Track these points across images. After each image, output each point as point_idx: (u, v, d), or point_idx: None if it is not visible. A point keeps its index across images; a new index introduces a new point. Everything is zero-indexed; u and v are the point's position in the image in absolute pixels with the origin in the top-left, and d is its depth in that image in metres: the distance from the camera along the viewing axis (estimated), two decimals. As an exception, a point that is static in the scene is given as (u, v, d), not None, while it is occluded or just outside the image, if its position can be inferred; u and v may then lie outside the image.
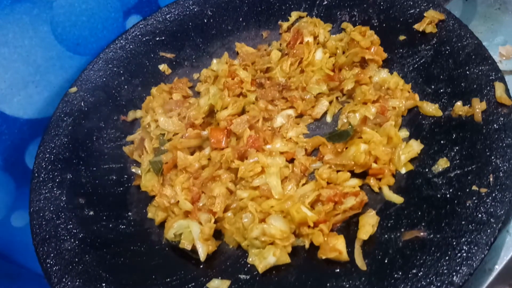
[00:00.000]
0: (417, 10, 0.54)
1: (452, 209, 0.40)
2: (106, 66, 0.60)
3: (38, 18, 0.55)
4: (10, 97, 0.55)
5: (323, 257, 0.41)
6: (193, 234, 0.44)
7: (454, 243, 0.37)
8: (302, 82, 0.55)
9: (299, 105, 0.53)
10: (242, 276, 0.43)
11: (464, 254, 0.36)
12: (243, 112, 0.54)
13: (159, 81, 0.62)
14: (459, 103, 0.46)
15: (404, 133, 0.49)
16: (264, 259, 0.42)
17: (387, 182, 0.45)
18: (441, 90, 0.48)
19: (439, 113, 0.47)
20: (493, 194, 0.39)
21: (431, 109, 0.48)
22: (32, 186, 0.49)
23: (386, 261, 0.39)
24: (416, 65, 0.52)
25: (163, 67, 0.63)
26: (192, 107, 0.56)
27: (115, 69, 0.60)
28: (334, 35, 0.59)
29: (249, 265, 0.43)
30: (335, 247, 0.41)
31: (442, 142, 0.45)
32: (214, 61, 0.63)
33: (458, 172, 0.42)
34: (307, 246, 0.43)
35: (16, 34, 0.54)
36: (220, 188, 0.47)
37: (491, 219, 0.37)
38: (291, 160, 0.49)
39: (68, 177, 0.51)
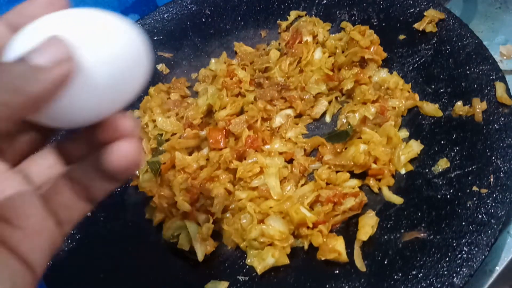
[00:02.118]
0: (417, 9, 0.54)
1: (453, 210, 0.39)
2: (103, 66, 0.59)
3: (35, 17, 0.54)
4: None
5: (322, 258, 0.40)
6: (191, 235, 0.44)
7: (454, 244, 0.37)
8: (301, 82, 0.54)
9: (298, 105, 0.53)
10: (240, 278, 0.42)
11: (465, 255, 0.36)
12: (241, 112, 0.53)
13: (157, 81, 0.61)
14: (459, 103, 0.46)
15: (404, 133, 0.48)
16: (262, 260, 0.42)
17: (387, 182, 0.45)
18: (441, 90, 0.48)
19: (439, 113, 0.47)
20: (494, 195, 0.38)
21: (431, 109, 0.47)
22: (28, 187, 0.49)
23: (385, 262, 0.39)
24: (416, 65, 0.52)
25: (161, 66, 0.62)
26: (190, 107, 0.55)
27: (113, 68, 0.60)
28: (333, 35, 0.58)
29: (247, 266, 0.43)
30: (334, 248, 0.40)
31: (442, 142, 0.45)
32: (213, 60, 0.62)
33: (459, 172, 0.42)
34: (306, 247, 0.43)
35: (13, 33, 0.53)
36: (218, 189, 0.46)
37: (492, 220, 0.37)
38: (290, 161, 0.49)
39: (65, 177, 0.50)
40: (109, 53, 0.21)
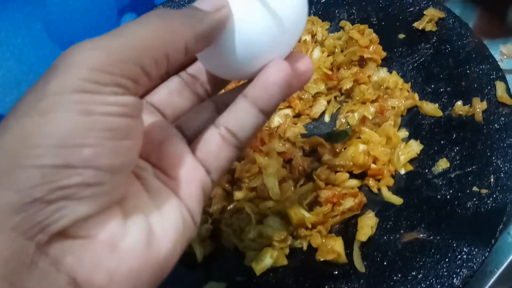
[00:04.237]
0: (417, 8, 0.54)
1: (452, 210, 0.39)
2: (101, 65, 0.59)
3: (31, 16, 0.54)
4: (2, 96, 0.54)
5: (321, 259, 0.40)
6: (190, 236, 0.44)
7: (454, 245, 0.37)
8: (300, 81, 0.54)
9: (296, 105, 0.53)
10: (238, 278, 0.42)
11: (465, 256, 0.36)
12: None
13: (155, 80, 0.61)
14: (459, 103, 0.45)
15: (404, 133, 0.48)
16: (261, 261, 0.42)
17: (386, 183, 0.45)
18: (441, 90, 0.48)
19: (439, 113, 0.47)
20: (494, 195, 0.38)
21: (430, 108, 0.47)
22: (25, 187, 0.48)
23: (385, 263, 0.39)
24: (416, 64, 0.52)
25: (159, 65, 0.62)
26: (188, 106, 0.55)
27: (110, 67, 0.59)
28: (332, 34, 0.58)
29: (246, 267, 0.43)
30: (333, 249, 0.40)
31: (442, 142, 0.45)
32: (211, 59, 0.62)
33: (459, 173, 0.41)
34: (305, 248, 0.42)
35: (9, 32, 0.53)
36: (216, 189, 0.46)
37: (492, 221, 0.37)
38: (289, 161, 0.49)
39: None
40: (268, 11, 0.24)
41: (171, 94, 0.28)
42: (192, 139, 0.27)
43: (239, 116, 0.25)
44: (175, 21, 0.21)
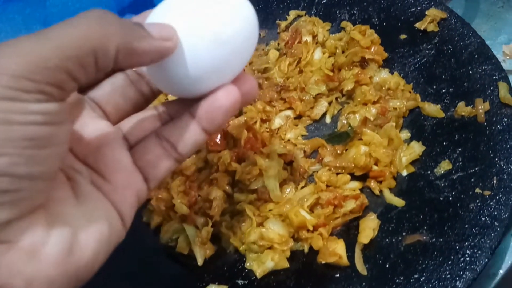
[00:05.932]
0: (419, 8, 0.53)
1: (455, 212, 0.39)
2: (101, 67, 0.59)
3: (31, 18, 0.54)
4: (3, 98, 0.54)
5: (323, 262, 0.40)
6: (190, 239, 0.44)
7: (457, 247, 0.36)
8: (300, 82, 0.54)
9: (297, 106, 0.52)
10: (239, 281, 0.42)
11: (468, 259, 0.35)
12: (240, 113, 0.53)
13: (155, 82, 0.60)
14: (461, 104, 0.45)
15: (405, 134, 0.48)
16: (262, 264, 0.41)
17: (388, 184, 0.44)
18: (443, 90, 0.48)
19: (441, 114, 0.46)
20: (497, 197, 0.38)
21: (433, 110, 0.47)
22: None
23: (387, 265, 0.38)
24: (418, 65, 0.51)
25: (159, 67, 0.62)
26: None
27: (111, 69, 0.59)
28: (333, 34, 0.58)
29: (246, 270, 0.42)
30: (335, 251, 0.40)
31: (444, 143, 0.44)
32: (211, 61, 0.62)
33: (461, 174, 0.41)
34: (306, 250, 0.42)
35: (8, 34, 0.53)
36: (217, 191, 0.46)
37: (495, 223, 0.36)
38: (290, 163, 0.49)
39: (62, 180, 0.50)
40: (217, 39, 0.24)
41: (114, 92, 0.28)
42: (133, 146, 0.27)
43: (183, 132, 0.26)
44: (112, 27, 0.21)
